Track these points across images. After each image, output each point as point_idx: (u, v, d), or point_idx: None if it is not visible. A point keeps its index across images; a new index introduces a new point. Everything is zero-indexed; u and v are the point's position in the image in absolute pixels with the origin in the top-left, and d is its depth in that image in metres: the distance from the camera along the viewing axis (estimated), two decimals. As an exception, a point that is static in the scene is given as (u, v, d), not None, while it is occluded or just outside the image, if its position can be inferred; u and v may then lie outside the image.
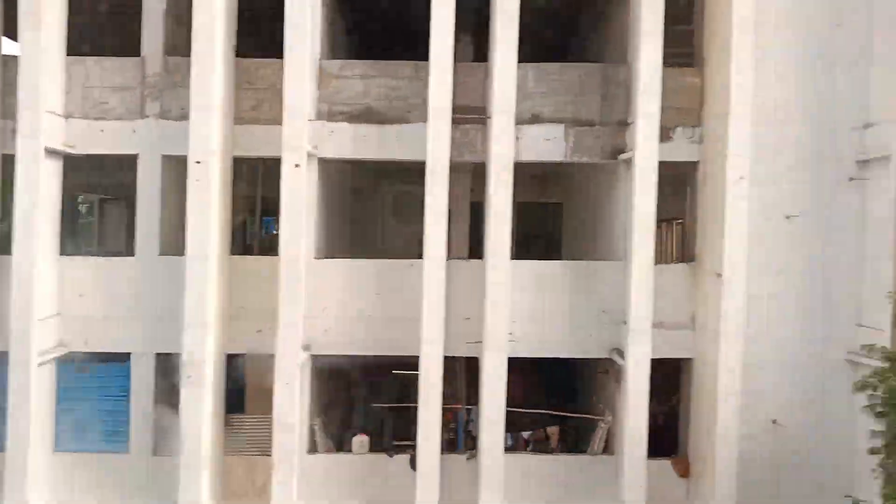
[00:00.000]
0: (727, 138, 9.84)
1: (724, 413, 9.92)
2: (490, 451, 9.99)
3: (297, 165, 9.66)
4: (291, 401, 9.80)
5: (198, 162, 9.65)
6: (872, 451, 7.78)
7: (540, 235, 17.26)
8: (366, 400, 12.06)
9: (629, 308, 9.93)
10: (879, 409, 7.48)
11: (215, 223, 9.86)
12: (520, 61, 10.59)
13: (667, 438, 11.76)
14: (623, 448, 10.07)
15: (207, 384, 9.79)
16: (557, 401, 13.32)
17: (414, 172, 10.54)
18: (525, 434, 11.43)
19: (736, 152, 9.82)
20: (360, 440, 10.85)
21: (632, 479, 9.92)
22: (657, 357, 10.72)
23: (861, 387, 7.52)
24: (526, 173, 14.52)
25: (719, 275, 9.96)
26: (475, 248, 14.33)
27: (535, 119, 10.74)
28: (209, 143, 9.66)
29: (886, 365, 7.63)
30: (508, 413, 11.34)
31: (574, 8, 13.49)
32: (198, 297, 9.69)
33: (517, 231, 19.13)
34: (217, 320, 10.00)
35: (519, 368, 12.89)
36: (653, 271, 9.96)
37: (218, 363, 10.20)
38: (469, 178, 13.83)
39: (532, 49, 11.63)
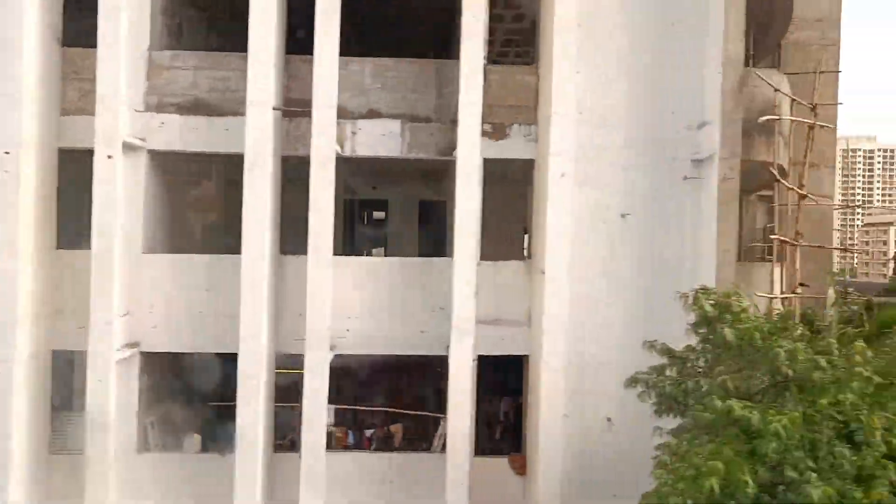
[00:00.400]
0: (549, 135, 9.84)
1: (547, 410, 9.91)
2: (311, 450, 9.83)
3: (109, 157, 9.43)
4: (106, 398, 9.56)
5: (6, 152, 9.37)
6: (658, 448, 7.78)
7: (437, 233, 17.30)
8: (222, 398, 11.86)
9: (452, 305, 9.87)
10: (661, 406, 7.49)
11: (29, 216, 9.58)
12: (393, 56, 10.63)
13: (516, 435, 11.82)
14: (447, 447, 9.99)
15: (17, 382, 9.50)
16: (434, 398, 13.31)
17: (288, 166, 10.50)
18: (368, 432, 11.33)
19: (557, 149, 9.84)
20: (193, 439, 10.65)
21: (454, 478, 9.86)
22: (495, 354, 10.79)
23: (630, 382, 7.52)
24: (419, 171, 14.61)
25: (543, 272, 9.96)
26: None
27: (373, 114, 10.66)
28: (19, 132, 9.39)
29: (665, 360, 7.64)
30: (354, 410, 11.32)
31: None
32: (6, 294, 9.40)
33: (418, 228, 19.13)
34: (32, 317, 9.71)
35: (396, 366, 12.91)
36: (475, 268, 9.92)
37: (36, 360, 9.91)
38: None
39: (407, 46, 11.66)
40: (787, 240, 10.59)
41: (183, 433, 10.87)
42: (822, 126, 12.45)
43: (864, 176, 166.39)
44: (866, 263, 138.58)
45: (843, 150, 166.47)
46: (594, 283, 10.53)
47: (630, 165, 10.69)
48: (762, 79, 9.94)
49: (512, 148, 10.65)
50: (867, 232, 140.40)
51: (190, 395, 11.25)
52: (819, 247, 14.83)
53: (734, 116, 9.88)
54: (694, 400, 6.76)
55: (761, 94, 10.84)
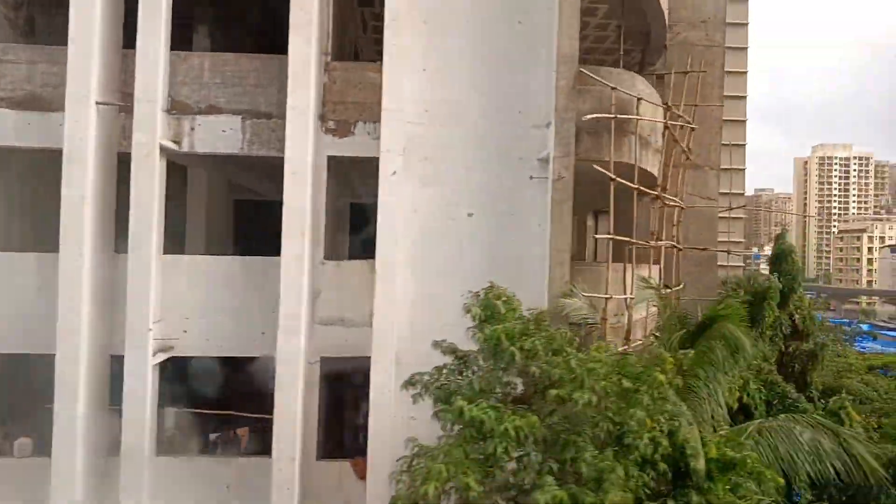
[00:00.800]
0: (381, 132, 9.68)
1: (376, 412, 9.72)
2: (131, 454, 9.56)
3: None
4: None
5: None
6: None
7: (363, 236, 17.10)
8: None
9: (279, 305, 9.66)
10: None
11: None
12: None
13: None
14: (272, 450, 9.75)
15: None
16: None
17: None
18: (213, 436, 11.08)
19: (388, 146, 9.67)
20: (22, 443, 10.34)
21: (280, 482, 9.62)
22: (339, 356, 10.59)
23: (406, 384, 7.31)
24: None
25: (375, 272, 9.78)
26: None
27: (212, 109, 10.42)
28: None
29: (450, 360, 7.46)
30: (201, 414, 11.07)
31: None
32: None
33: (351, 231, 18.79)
34: None
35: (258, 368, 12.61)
36: (303, 267, 9.72)
37: None
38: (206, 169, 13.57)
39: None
40: (631, 240, 10.47)
41: (16, 437, 10.54)
42: (683, 126, 12.41)
43: (839, 183, 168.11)
44: (840, 269, 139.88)
45: (819, 157, 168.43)
46: (442, 283, 10.36)
47: (478, 164, 10.58)
48: (593, 77, 9.80)
49: (357, 146, 10.46)
50: (841, 238, 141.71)
51: (28, 397, 10.93)
52: (704, 249, 14.81)
53: (567, 115, 9.76)
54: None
55: (614, 93, 10.74)
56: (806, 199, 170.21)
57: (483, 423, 5.80)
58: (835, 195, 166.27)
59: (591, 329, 10.10)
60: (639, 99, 10.63)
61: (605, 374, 6.22)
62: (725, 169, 64.13)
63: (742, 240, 77.63)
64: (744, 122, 71.15)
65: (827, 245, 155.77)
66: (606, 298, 9.83)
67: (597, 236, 9.98)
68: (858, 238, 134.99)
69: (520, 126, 10.55)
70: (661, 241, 11.63)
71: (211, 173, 13.81)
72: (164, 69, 9.78)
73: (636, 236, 12.75)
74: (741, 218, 75.75)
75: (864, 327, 79.12)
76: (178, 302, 10.24)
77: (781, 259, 12.53)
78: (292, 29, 9.53)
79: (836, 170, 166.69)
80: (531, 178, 10.51)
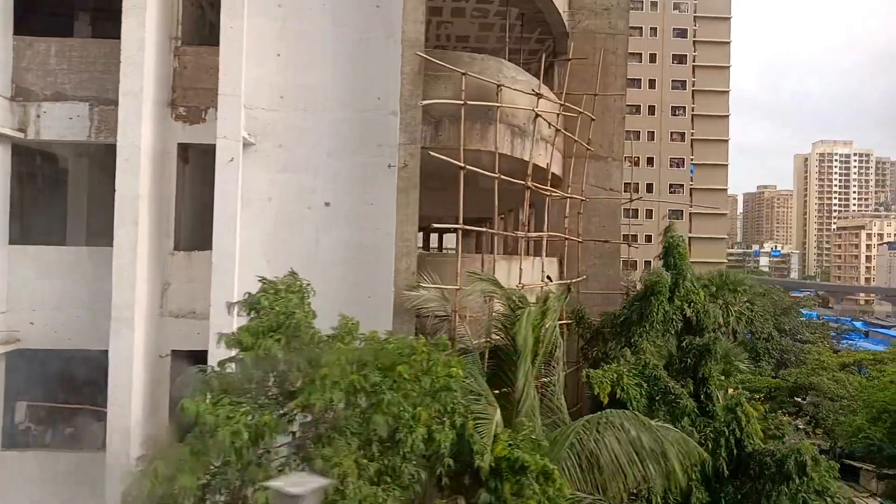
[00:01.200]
0: (217, 118, 9.39)
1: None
2: (-38, 447, 9.34)
3: None
4: None
5: None
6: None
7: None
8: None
9: (113, 296, 9.39)
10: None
11: None
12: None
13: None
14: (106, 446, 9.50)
15: None
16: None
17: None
18: (69, 430, 10.83)
19: (224, 132, 9.36)
20: None
21: (114, 477, 9.33)
22: (188, 349, 10.32)
23: (184, 377, 7.04)
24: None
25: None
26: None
27: (59, 96, 10.16)
28: None
29: (235, 352, 7.15)
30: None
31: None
32: None
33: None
34: None
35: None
36: (143, 257, 9.44)
37: None
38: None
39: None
40: (488, 230, 10.16)
41: None
42: (559, 115, 12.07)
43: (840, 180, 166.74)
44: (839, 267, 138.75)
45: (820, 154, 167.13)
46: (300, 273, 10.09)
47: (336, 152, 10.31)
48: (438, 63, 9.48)
49: (209, 133, 10.15)
50: (840, 235, 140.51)
51: None
52: (605, 241, 14.46)
53: (412, 101, 9.46)
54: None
55: (474, 80, 10.42)
56: (806, 195, 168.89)
57: (208, 423, 5.52)
58: (835, 192, 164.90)
59: (441, 322, 9.84)
60: (499, 86, 10.31)
61: (359, 369, 5.92)
62: (706, 165, 63.22)
63: (725, 236, 76.85)
64: (726, 117, 70.71)
65: (827, 242, 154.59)
66: (456, 290, 9.53)
67: (436, 225, 9.66)
68: (857, 235, 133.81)
69: (378, 113, 10.24)
70: (532, 232, 11.29)
71: (99, 164, 13.53)
72: (3, 54, 9.50)
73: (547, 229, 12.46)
74: (724, 215, 74.67)
75: (859, 325, 78.45)
76: (25, 293, 10.01)
77: (669, 252, 12.18)
78: (125, 11, 9.23)
79: (836, 166, 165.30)
80: (389, 166, 10.21)
